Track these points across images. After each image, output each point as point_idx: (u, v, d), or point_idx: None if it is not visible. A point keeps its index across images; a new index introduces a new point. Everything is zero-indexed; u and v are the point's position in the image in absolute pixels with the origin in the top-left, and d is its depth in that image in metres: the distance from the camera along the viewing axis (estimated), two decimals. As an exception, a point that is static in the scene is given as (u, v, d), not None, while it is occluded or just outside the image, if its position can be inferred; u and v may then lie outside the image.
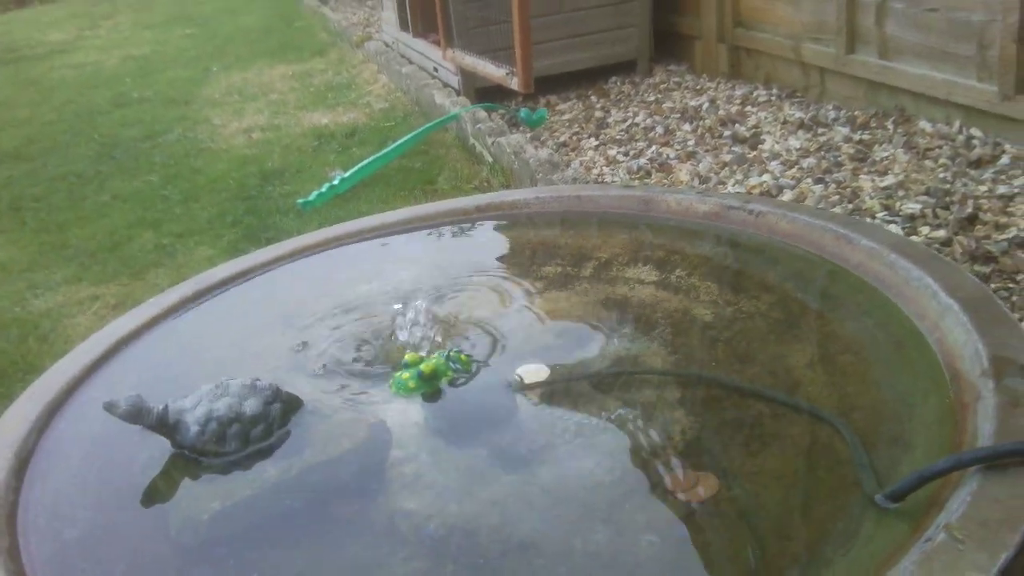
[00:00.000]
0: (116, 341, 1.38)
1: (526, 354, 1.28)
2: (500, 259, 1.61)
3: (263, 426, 1.10)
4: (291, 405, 1.14)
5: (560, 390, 1.19)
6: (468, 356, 1.25)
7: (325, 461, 1.09)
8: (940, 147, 2.90)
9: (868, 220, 2.48)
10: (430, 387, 1.19)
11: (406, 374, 1.19)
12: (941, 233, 2.35)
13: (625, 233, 1.58)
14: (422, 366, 1.19)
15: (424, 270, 1.56)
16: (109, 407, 1.07)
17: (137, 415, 1.07)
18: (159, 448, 1.11)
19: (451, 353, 1.23)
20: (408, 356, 1.22)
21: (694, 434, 1.05)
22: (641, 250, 1.50)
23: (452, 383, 1.20)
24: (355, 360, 1.29)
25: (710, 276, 1.37)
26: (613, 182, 3.20)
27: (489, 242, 1.68)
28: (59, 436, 1.17)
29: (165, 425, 1.09)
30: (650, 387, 1.17)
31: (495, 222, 1.71)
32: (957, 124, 3.01)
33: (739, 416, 1.08)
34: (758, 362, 1.16)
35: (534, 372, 1.22)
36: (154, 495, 1.06)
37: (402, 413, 1.17)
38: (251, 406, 1.09)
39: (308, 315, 1.44)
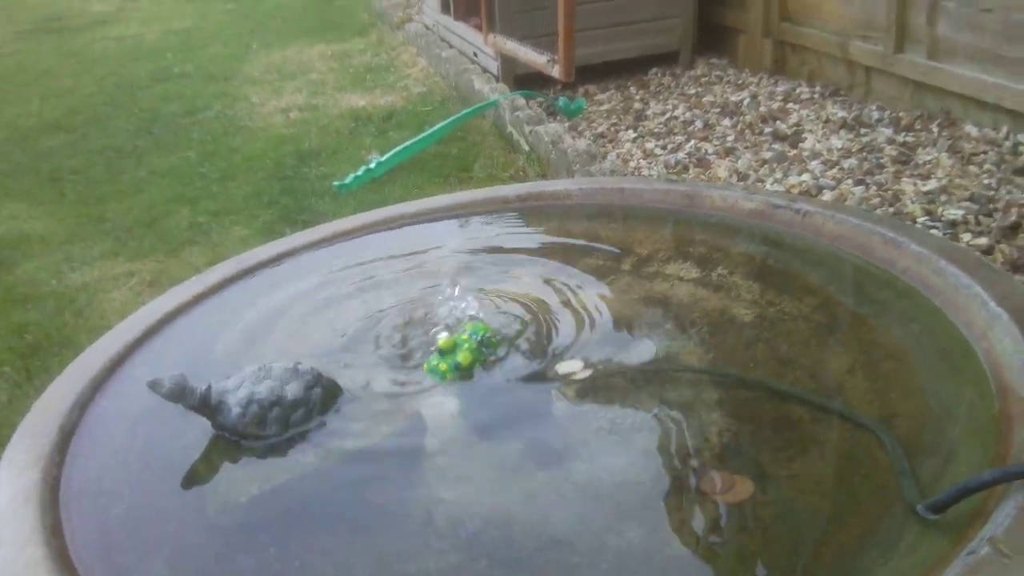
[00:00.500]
0: (159, 318, 1.39)
1: (564, 347, 1.28)
2: (540, 250, 1.61)
3: (303, 410, 1.11)
4: (331, 391, 1.15)
5: (596, 386, 1.19)
6: (496, 334, 1.25)
7: (363, 449, 1.10)
8: (985, 152, 2.85)
9: (909, 224, 2.44)
10: (465, 375, 1.20)
11: (442, 364, 1.20)
12: (983, 241, 2.31)
13: (667, 228, 1.57)
14: (459, 357, 1.20)
15: (464, 258, 1.56)
16: (153, 385, 1.09)
17: (180, 394, 1.09)
18: (200, 428, 1.13)
19: (483, 338, 1.23)
20: (441, 341, 1.22)
21: (731, 436, 1.05)
22: (683, 246, 1.49)
23: (485, 358, 1.22)
24: (394, 346, 1.30)
25: (752, 275, 1.36)
26: (651, 175, 3.18)
27: (530, 232, 1.68)
28: (102, 413, 1.18)
29: (207, 406, 1.10)
30: (687, 386, 1.16)
31: (536, 211, 1.70)
32: (1004, 130, 2.95)
33: (777, 419, 1.08)
34: (799, 365, 1.15)
35: (571, 368, 1.21)
36: (194, 476, 1.08)
37: (439, 404, 1.17)
38: (292, 390, 1.10)
39: (348, 299, 1.45)
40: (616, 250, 1.51)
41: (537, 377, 1.22)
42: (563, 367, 1.22)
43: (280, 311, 1.43)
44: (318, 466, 1.09)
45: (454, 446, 1.12)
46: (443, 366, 1.20)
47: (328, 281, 1.52)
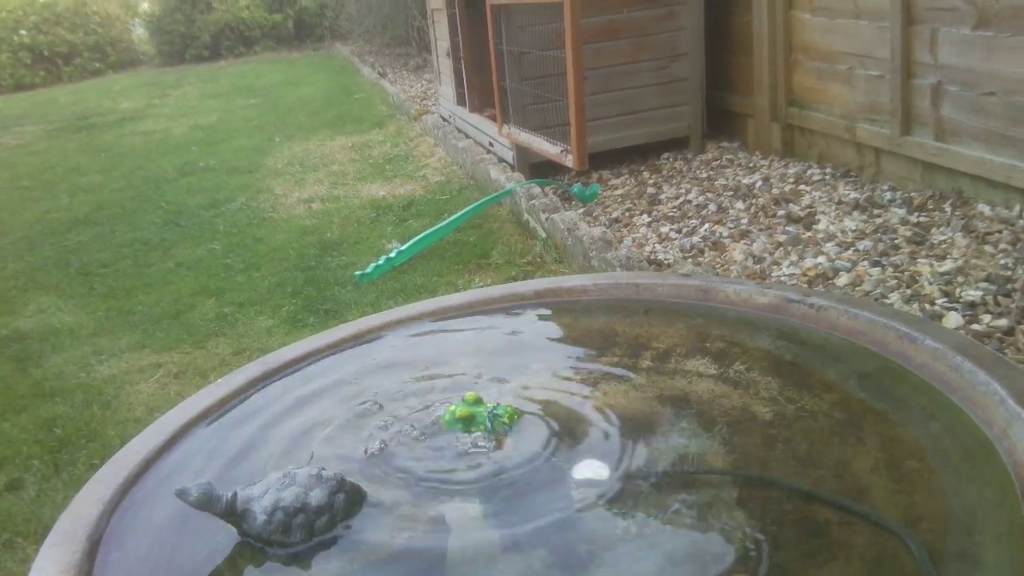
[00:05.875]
0: (185, 422, 1.42)
1: (583, 448, 1.29)
2: (558, 347, 1.63)
3: (327, 517, 1.12)
4: (355, 496, 1.16)
5: (619, 487, 1.19)
6: (514, 412, 1.33)
7: (386, 556, 1.10)
8: (1000, 232, 2.87)
9: (928, 307, 2.45)
10: (465, 427, 1.30)
11: (459, 411, 1.31)
12: (1003, 322, 2.31)
13: (683, 323, 1.59)
14: (457, 412, 1.31)
15: (482, 356, 1.59)
16: (181, 494, 1.11)
17: (207, 503, 1.10)
18: (227, 534, 1.14)
19: (496, 408, 1.31)
20: (468, 394, 1.33)
21: (757, 540, 1.04)
22: (700, 341, 1.51)
23: (489, 431, 1.29)
24: (415, 449, 1.31)
25: (770, 371, 1.37)
26: (667, 261, 3.22)
27: (547, 329, 1.70)
28: (131, 520, 1.20)
29: (233, 513, 1.11)
30: (711, 488, 1.16)
31: (554, 308, 1.73)
32: (1017, 208, 2.97)
33: (802, 522, 1.07)
34: (822, 465, 1.15)
35: (593, 469, 1.22)
36: (220, 583, 1.09)
37: (461, 509, 1.18)
38: (316, 496, 1.12)
39: (370, 399, 1.47)
40: (633, 346, 1.53)
41: (558, 479, 1.23)
42: (583, 468, 1.23)
43: (304, 413, 1.45)
44: (343, 573, 1.09)
45: (478, 551, 1.12)
46: (457, 410, 1.31)
47: (351, 383, 1.54)
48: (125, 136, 8.52)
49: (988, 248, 2.78)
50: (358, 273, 3.70)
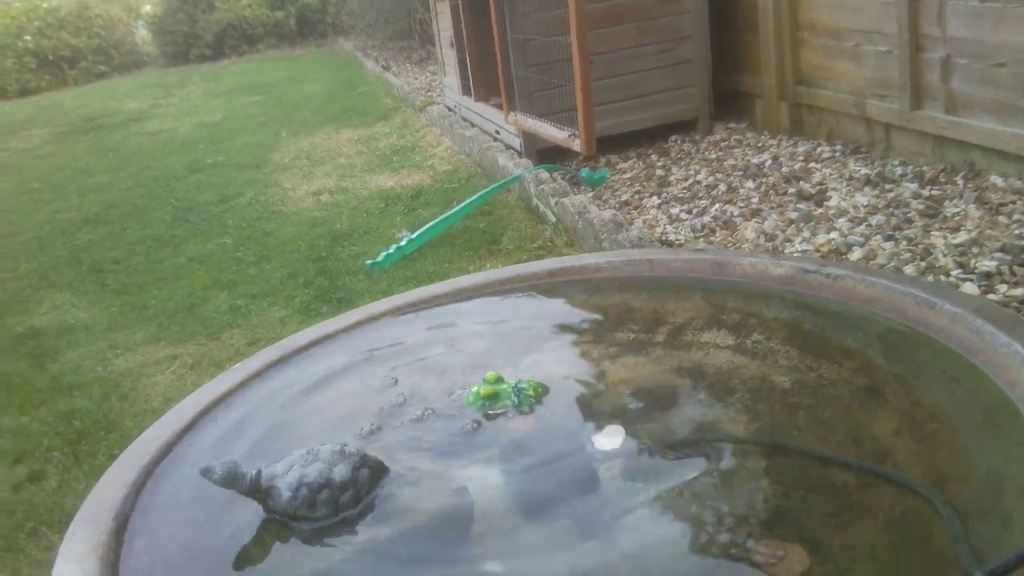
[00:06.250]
0: (204, 407, 1.43)
1: (603, 418, 1.29)
2: (573, 325, 1.63)
3: (352, 492, 1.12)
4: (378, 471, 1.17)
5: (639, 455, 1.19)
6: (538, 386, 1.34)
7: (411, 529, 1.11)
8: (1014, 202, 2.85)
9: (943, 278, 2.44)
10: (490, 405, 1.31)
11: (483, 390, 1.32)
12: (1020, 291, 2.30)
13: (699, 297, 1.59)
14: (481, 391, 1.32)
15: (499, 336, 1.59)
16: (206, 472, 1.11)
17: (232, 480, 1.11)
18: (252, 511, 1.15)
19: (520, 383, 1.33)
20: (489, 374, 1.35)
21: (780, 504, 1.04)
22: (716, 314, 1.51)
23: (515, 407, 1.30)
24: (434, 424, 1.31)
25: (788, 341, 1.37)
26: (678, 242, 3.21)
27: (561, 307, 1.70)
28: (156, 500, 1.21)
29: (258, 490, 1.12)
30: (732, 455, 1.16)
31: (567, 287, 1.73)
32: (1031, 179, 2.95)
33: (823, 485, 1.07)
34: (843, 430, 1.15)
35: (611, 435, 1.22)
36: (247, 559, 1.09)
37: (483, 478, 1.18)
38: (340, 472, 1.12)
39: (387, 379, 1.48)
40: (649, 321, 1.53)
41: (579, 447, 1.23)
42: (604, 436, 1.24)
43: (323, 394, 1.46)
44: (368, 547, 1.10)
45: (502, 521, 1.12)
46: (479, 389, 1.33)
47: (368, 364, 1.55)
48: (132, 136, 8.54)
49: (1002, 219, 2.77)
50: (369, 262, 3.71)
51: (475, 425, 1.29)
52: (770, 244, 2.98)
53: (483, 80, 5.33)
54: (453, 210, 4.00)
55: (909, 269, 2.55)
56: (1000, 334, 1.14)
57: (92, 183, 6.60)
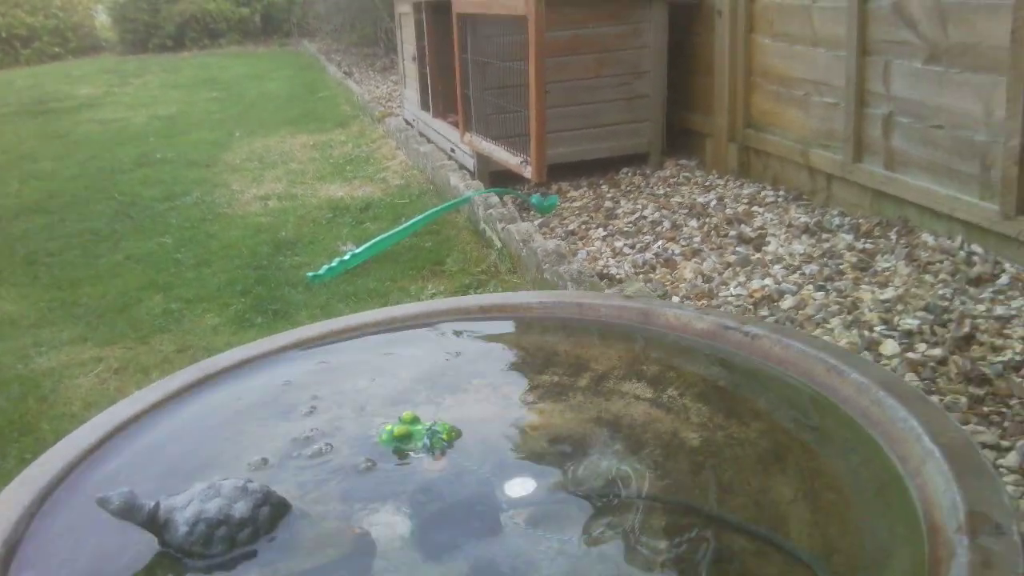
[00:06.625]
0: (116, 426, 1.40)
1: (517, 465, 1.30)
2: (499, 364, 1.64)
3: (250, 529, 1.11)
4: (280, 509, 1.15)
5: (548, 505, 1.20)
6: (452, 430, 1.33)
7: (308, 569, 1.10)
8: (941, 262, 2.95)
9: (867, 333, 2.50)
10: (402, 446, 1.31)
11: (396, 429, 1.32)
12: (938, 351, 2.37)
13: (623, 344, 1.61)
14: (395, 430, 1.32)
15: (424, 372, 1.59)
16: (102, 502, 1.09)
17: (128, 512, 1.09)
18: (147, 544, 1.12)
19: (435, 425, 1.33)
20: (405, 414, 1.34)
21: (678, 567, 1.06)
22: (637, 364, 1.53)
23: (427, 450, 1.30)
24: (346, 464, 1.30)
25: (703, 397, 1.39)
26: (618, 276, 3.24)
27: (489, 345, 1.71)
28: (49, 525, 1.18)
29: (155, 523, 1.10)
30: (638, 511, 1.18)
31: (498, 323, 1.74)
32: (959, 239, 3.06)
33: (723, 551, 1.09)
34: (744, 493, 1.17)
35: (524, 488, 1.23)
36: (138, 595, 1.07)
37: (388, 525, 1.18)
38: (240, 509, 1.11)
39: (304, 409, 1.46)
40: (573, 366, 1.54)
41: (488, 497, 1.23)
42: (515, 486, 1.24)
43: (236, 423, 1.44)
44: (264, 587, 1.09)
45: (401, 567, 1.12)
46: (393, 428, 1.32)
47: (286, 392, 1.53)
48: (82, 123, 8.35)
49: (928, 277, 2.86)
50: (310, 274, 3.67)
51: (385, 465, 1.28)
52: (706, 286, 3.03)
53: (443, 96, 5.35)
54: (400, 227, 3.99)
55: (836, 321, 2.61)
56: (900, 408, 1.17)
57: (35, 169, 6.44)
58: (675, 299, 2.97)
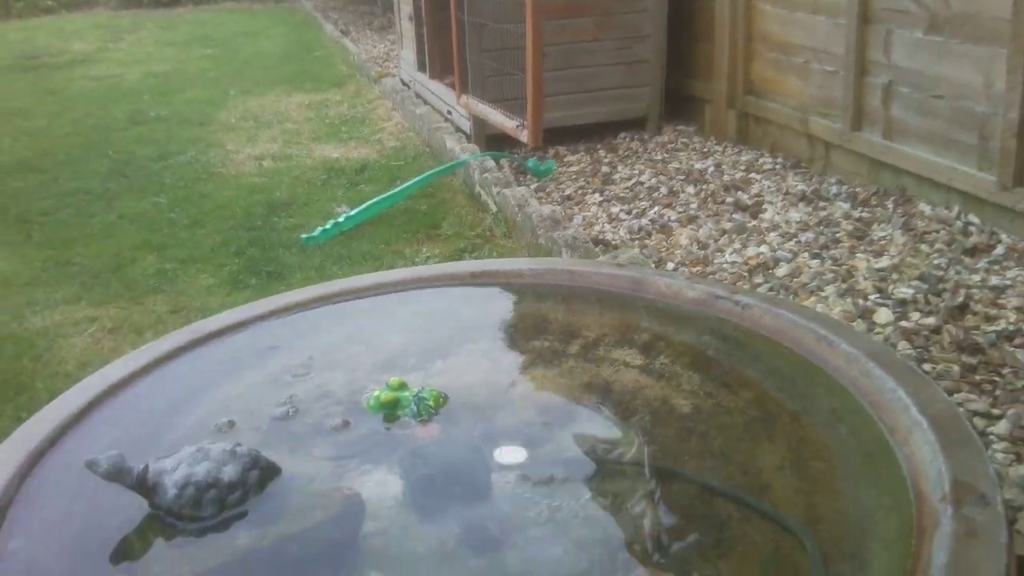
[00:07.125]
0: (106, 388, 1.40)
1: (507, 431, 1.30)
2: (490, 329, 1.64)
3: (240, 492, 1.12)
4: (269, 472, 1.16)
5: (538, 471, 1.21)
6: (440, 396, 1.34)
7: (299, 531, 1.11)
8: (937, 231, 2.94)
9: (861, 301, 2.50)
10: (390, 412, 1.31)
11: (384, 395, 1.32)
12: (931, 320, 2.37)
13: (614, 312, 1.61)
14: (382, 396, 1.32)
15: (413, 335, 1.59)
16: (91, 465, 1.09)
17: (117, 474, 1.09)
18: (137, 506, 1.13)
19: (422, 392, 1.33)
20: (393, 380, 1.35)
21: (664, 530, 1.07)
22: (628, 332, 1.53)
23: (414, 416, 1.31)
24: (337, 425, 1.31)
25: (693, 365, 1.39)
26: (613, 243, 3.23)
27: (480, 311, 1.71)
28: (39, 487, 1.18)
29: (144, 486, 1.11)
30: (625, 477, 1.19)
31: (489, 289, 1.74)
32: (956, 209, 3.04)
33: (708, 516, 1.10)
34: (732, 460, 1.18)
35: (513, 454, 1.24)
36: (128, 555, 1.08)
37: (379, 485, 1.19)
38: (229, 472, 1.11)
39: (295, 373, 1.47)
40: (564, 333, 1.54)
41: (478, 462, 1.24)
42: (504, 452, 1.25)
43: (227, 384, 1.44)
44: (252, 548, 1.09)
45: (391, 528, 1.13)
46: (382, 394, 1.32)
47: (278, 355, 1.53)
48: (76, 80, 8.24)
49: (924, 247, 2.85)
50: (304, 236, 3.65)
51: (375, 430, 1.28)
52: (702, 253, 3.03)
53: (439, 57, 5.28)
54: (395, 189, 3.97)
55: (830, 289, 2.61)
56: (888, 379, 1.17)
57: (28, 126, 6.36)
58: (670, 266, 2.97)
